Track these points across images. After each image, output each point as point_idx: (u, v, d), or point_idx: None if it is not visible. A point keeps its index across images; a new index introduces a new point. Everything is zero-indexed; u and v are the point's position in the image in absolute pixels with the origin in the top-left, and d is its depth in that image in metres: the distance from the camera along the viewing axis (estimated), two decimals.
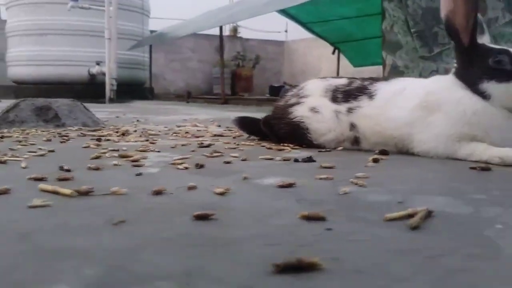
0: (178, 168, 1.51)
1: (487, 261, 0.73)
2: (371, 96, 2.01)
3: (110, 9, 8.43)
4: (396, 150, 1.94)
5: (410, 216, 0.94)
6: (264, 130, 2.29)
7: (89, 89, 8.86)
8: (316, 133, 2.06)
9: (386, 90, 2.00)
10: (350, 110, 2.02)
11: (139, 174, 1.39)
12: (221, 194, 1.14)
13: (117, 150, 1.88)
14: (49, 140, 2.24)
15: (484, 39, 1.90)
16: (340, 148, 2.03)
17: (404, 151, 1.91)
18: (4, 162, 1.56)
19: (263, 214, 0.98)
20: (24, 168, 1.48)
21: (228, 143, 2.22)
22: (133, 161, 1.62)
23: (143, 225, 0.89)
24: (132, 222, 0.90)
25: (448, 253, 0.76)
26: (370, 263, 0.71)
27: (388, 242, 0.81)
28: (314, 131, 2.06)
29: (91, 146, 2.01)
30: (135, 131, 2.82)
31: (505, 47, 1.80)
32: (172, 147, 2.05)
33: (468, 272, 0.68)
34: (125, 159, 1.66)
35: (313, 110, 2.08)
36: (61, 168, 1.45)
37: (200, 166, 1.53)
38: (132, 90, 9.36)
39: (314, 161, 1.68)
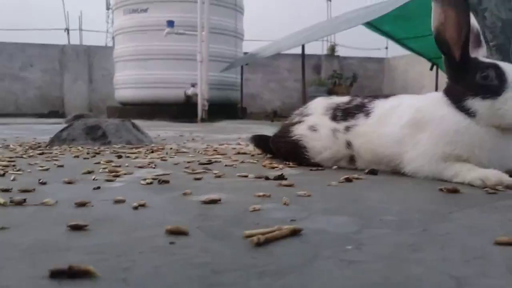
0: (141, 184, 1.61)
1: (272, 277, 0.73)
2: (368, 113, 1.97)
3: (203, 34, 8.89)
4: (389, 169, 1.87)
5: (270, 232, 0.95)
6: (272, 148, 2.32)
7: (185, 110, 9.36)
8: (313, 151, 2.06)
9: (381, 107, 1.95)
10: (347, 128, 1.99)
11: (96, 188, 1.51)
12: (135, 208, 1.22)
13: (119, 166, 2.03)
14: (76, 156, 2.46)
15: (480, 53, 1.79)
16: (335, 167, 2.00)
17: (397, 171, 1.84)
18: (2, 175, 1.77)
19: (138, 227, 1.04)
20: (12, 180, 1.66)
21: (235, 160, 2.28)
22: (114, 176, 1.75)
23: (17, 231, 0.99)
24: (14, 228, 1.01)
25: (242, 268, 0.77)
26: (153, 273, 0.75)
27: (205, 256, 0.83)
28: (311, 149, 2.06)
29: (102, 162, 2.18)
30: (171, 148, 2.98)
31: (494, 61, 1.68)
32: (175, 164, 2.16)
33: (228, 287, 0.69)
34: (110, 174, 1.80)
35: (312, 128, 2.07)
36: (39, 181, 1.61)
37: (162, 182, 1.62)
38: (224, 110, 9.73)
39: (285, 179, 1.69)
